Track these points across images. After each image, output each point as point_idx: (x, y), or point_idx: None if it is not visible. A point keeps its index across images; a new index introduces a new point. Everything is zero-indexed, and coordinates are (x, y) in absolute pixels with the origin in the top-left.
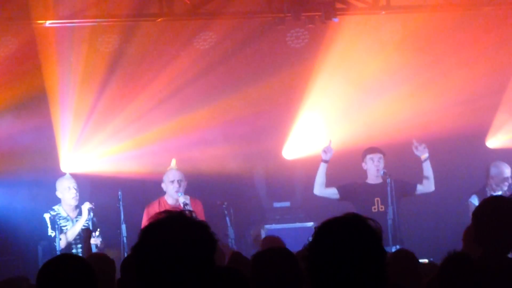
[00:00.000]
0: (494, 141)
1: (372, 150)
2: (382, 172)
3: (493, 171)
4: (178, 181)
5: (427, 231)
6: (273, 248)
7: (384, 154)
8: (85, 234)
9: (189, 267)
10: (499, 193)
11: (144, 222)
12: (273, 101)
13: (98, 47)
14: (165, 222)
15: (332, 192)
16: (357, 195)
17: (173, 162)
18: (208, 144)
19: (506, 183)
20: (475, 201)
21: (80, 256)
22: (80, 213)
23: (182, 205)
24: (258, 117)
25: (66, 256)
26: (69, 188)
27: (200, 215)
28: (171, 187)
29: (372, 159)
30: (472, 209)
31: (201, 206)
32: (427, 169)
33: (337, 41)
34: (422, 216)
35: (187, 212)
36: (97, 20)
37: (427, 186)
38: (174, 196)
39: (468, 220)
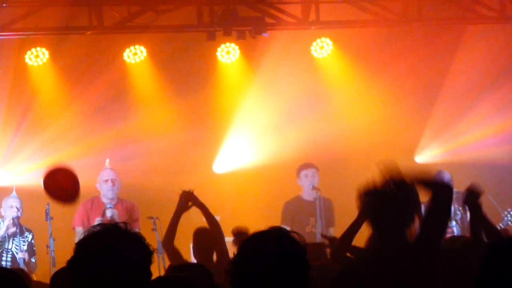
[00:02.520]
0: (422, 156)
1: (306, 165)
2: (311, 186)
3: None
4: (112, 180)
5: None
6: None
7: (317, 169)
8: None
9: (125, 279)
10: None
11: (75, 220)
12: (204, 115)
13: (27, 60)
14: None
15: None
16: (294, 215)
17: (107, 162)
18: (137, 158)
19: None
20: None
21: (12, 270)
22: (19, 233)
23: (108, 219)
24: (189, 131)
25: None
26: (11, 206)
27: (137, 218)
28: (105, 186)
29: (306, 175)
30: None
31: (137, 211)
32: None
33: (268, 56)
34: None
35: (121, 224)
36: (26, 33)
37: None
38: (108, 195)
39: None
